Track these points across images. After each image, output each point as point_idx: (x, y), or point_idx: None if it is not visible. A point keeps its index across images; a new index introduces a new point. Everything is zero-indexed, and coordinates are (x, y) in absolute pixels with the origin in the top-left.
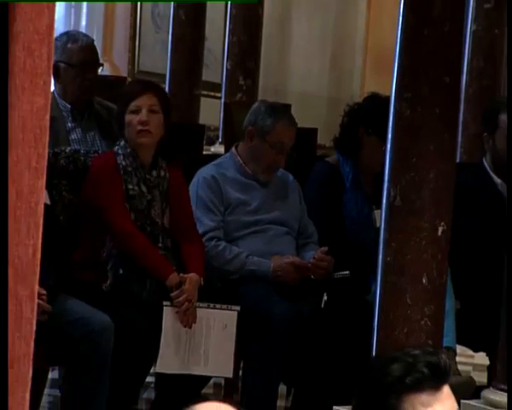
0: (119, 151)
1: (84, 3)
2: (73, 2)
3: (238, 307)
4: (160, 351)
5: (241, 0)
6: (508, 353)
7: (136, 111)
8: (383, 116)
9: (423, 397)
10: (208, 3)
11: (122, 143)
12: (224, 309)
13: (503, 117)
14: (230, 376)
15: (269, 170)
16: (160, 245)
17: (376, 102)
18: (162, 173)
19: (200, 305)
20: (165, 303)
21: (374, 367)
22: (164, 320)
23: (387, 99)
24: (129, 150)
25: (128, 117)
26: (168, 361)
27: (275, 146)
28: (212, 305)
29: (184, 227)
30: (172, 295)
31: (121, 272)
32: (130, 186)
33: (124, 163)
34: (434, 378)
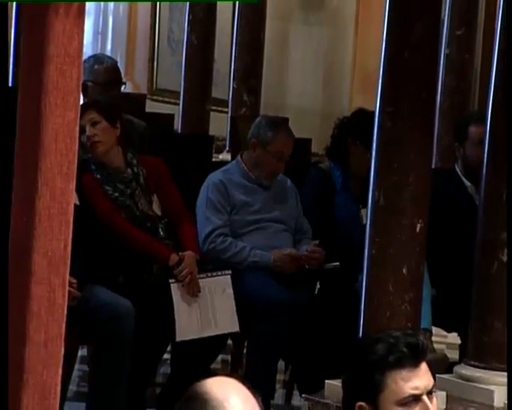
0: (93, 167)
1: (110, 30)
2: (100, 28)
3: (230, 271)
4: (176, 323)
5: (245, 0)
6: (508, 352)
7: (82, 132)
8: (368, 128)
9: (404, 373)
10: (218, 30)
11: (91, 159)
12: (220, 275)
13: (472, 129)
14: (238, 330)
15: (270, 175)
16: (162, 235)
17: (362, 116)
18: (136, 169)
19: (200, 276)
20: (171, 281)
21: (360, 347)
22: (173, 296)
23: (372, 113)
24: (97, 163)
25: (81, 138)
26: (184, 330)
27: (275, 155)
28: (209, 274)
29: (174, 210)
30: (175, 272)
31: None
32: (110, 191)
33: (98, 176)
34: (413, 357)
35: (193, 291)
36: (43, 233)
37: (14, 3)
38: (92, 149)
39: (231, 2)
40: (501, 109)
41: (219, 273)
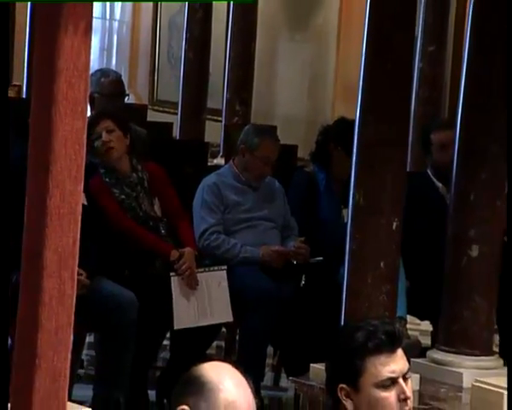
0: (102, 171)
1: (114, 47)
2: (106, 44)
3: (225, 266)
4: (174, 313)
5: (241, 0)
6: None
7: (97, 138)
8: (349, 135)
9: (382, 358)
10: (212, 47)
11: (100, 164)
12: (216, 270)
13: (434, 136)
14: (231, 320)
15: (258, 178)
16: (163, 233)
17: (344, 124)
18: (140, 174)
19: (198, 271)
20: (171, 274)
21: (342, 334)
22: (172, 288)
23: (352, 122)
24: (106, 167)
25: (95, 144)
26: (181, 318)
27: (262, 160)
28: (206, 269)
29: (173, 211)
30: (176, 266)
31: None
32: (117, 194)
33: (107, 179)
34: (390, 343)
35: (191, 284)
36: (53, 231)
37: (28, 22)
38: (106, 154)
39: (225, 22)
40: (468, 117)
41: (216, 268)
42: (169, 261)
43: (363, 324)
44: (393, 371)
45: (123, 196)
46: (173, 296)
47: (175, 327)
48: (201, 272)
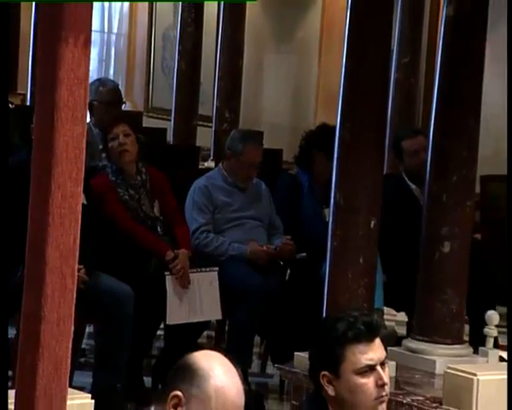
0: (108, 170)
1: (112, 58)
2: (104, 56)
3: (217, 268)
4: (167, 309)
5: (240, 0)
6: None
7: (114, 138)
8: (330, 140)
9: (361, 347)
10: (203, 58)
11: (107, 164)
12: (208, 271)
13: (404, 143)
14: (220, 317)
15: (244, 180)
16: (160, 232)
17: (325, 130)
18: (144, 177)
19: (191, 271)
20: (166, 273)
21: (324, 325)
22: (167, 286)
23: (333, 128)
24: (114, 168)
25: (110, 144)
26: (174, 315)
27: (246, 163)
28: (199, 269)
29: (170, 213)
30: (170, 266)
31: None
32: (121, 194)
33: (113, 178)
34: (369, 333)
35: (184, 283)
36: (55, 229)
37: (32, 35)
38: (121, 156)
39: (215, 35)
40: (440, 124)
41: (208, 269)
42: (164, 261)
43: (343, 315)
44: (371, 359)
45: (126, 197)
46: (167, 294)
47: (167, 322)
48: (194, 272)
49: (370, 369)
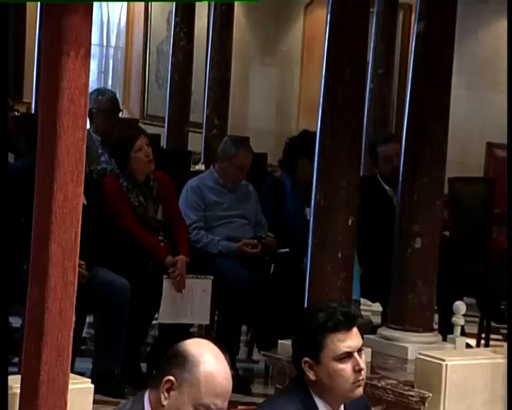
0: (120, 174)
1: (110, 70)
2: (103, 68)
3: (212, 277)
4: (161, 308)
5: (245, 0)
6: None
7: (140, 149)
8: (311, 145)
9: (339, 335)
10: (194, 69)
11: (114, 167)
12: (203, 278)
13: (379, 149)
14: (208, 322)
15: (234, 182)
16: (161, 234)
17: (306, 136)
18: (151, 183)
19: (187, 276)
20: (164, 277)
21: (305, 315)
22: (164, 287)
23: (314, 134)
24: (127, 173)
25: (134, 154)
26: (166, 315)
27: (237, 166)
28: (195, 276)
29: (173, 217)
30: (169, 271)
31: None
32: (132, 199)
33: (125, 183)
34: (347, 323)
35: (179, 288)
36: (57, 227)
37: (36, 48)
38: (148, 165)
39: (205, 49)
40: (412, 131)
41: (203, 277)
42: (163, 265)
43: (323, 306)
44: (349, 347)
45: (136, 203)
46: (163, 295)
47: (158, 321)
48: (190, 277)
49: (348, 356)
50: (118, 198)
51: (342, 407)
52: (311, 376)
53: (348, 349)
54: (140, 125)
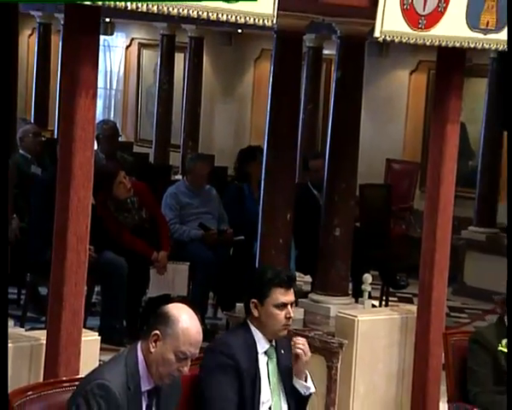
0: (108, 197)
1: (112, 106)
2: (107, 104)
3: (188, 263)
4: (150, 286)
5: None
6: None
7: (120, 182)
8: (255, 151)
9: (282, 290)
10: (174, 105)
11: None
12: (181, 264)
13: (310, 163)
14: (185, 294)
15: (198, 187)
16: (147, 234)
17: (251, 147)
18: (132, 199)
19: (168, 262)
20: (151, 267)
21: (258, 271)
22: (151, 274)
23: (256, 146)
24: (112, 198)
25: (116, 188)
26: (153, 290)
27: (197, 175)
28: (175, 262)
29: (155, 217)
30: (154, 264)
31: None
32: (121, 218)
33: (112, 207)
34: (288, 282)
35: (162, 272)
36: (73, 222)
37: (57, 90)
38: (128, 192)
39: (181, 90)
40: (333, 150)
41: (181, 263)
42: (150, 260)
43: (272, 268)
44: (286, 300)
45: (121, 218)
46: (150, 279)
47: (148, 295)
48: (171, 263)
49: (284, 306)
50: (106, 218)
51: (274, 341)
52: (255, 313)
53: (285, 301)
54: (134, 146)
